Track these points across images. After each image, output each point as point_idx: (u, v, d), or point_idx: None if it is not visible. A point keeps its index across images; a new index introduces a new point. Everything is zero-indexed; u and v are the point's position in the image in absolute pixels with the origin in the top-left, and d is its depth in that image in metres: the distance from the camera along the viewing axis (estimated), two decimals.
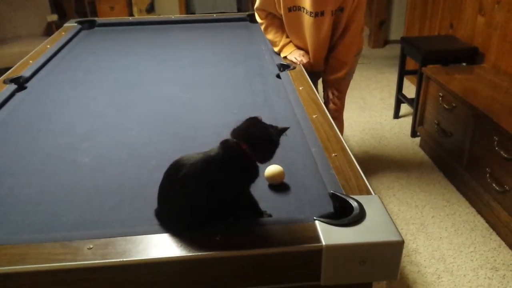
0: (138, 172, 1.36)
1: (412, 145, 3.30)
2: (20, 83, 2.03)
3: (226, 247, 0.99)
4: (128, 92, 1.99)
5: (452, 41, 3.38)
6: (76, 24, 2.97)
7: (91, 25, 3.01)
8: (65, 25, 3.00)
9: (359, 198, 1.12)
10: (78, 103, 1.88)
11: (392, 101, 3.84)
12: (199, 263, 0.98)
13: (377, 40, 5.35)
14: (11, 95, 1.92)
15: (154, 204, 1.10)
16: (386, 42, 5.41)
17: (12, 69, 2.20)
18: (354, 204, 1.10)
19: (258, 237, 1.02)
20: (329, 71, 2.40)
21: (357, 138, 3.41)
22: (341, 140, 1.46)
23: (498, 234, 2.38)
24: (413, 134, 3.39)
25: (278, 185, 1.27)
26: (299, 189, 1.24)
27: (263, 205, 1.16)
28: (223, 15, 3.44)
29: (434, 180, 2.88)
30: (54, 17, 4.64)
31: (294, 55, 2.29)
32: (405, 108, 3.72)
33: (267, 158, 1.09)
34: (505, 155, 2.22)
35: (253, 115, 1.11)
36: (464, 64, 3.22)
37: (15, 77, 2.05)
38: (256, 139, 1.05)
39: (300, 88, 1.91)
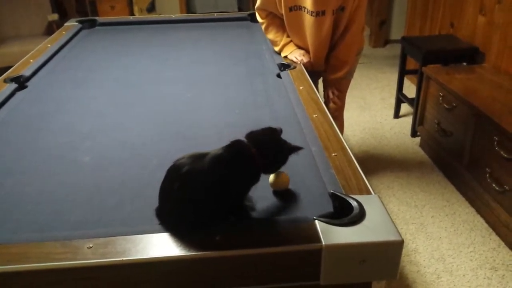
0: (139, 172, 1.36)
1: (412, 145, 3.30)
2: (21, 82, 2.03)
3: (225, 247, 0.99)
4: (128, 92, 1.99)
5: (452, 41, 3.38)
6: (76, 23, 2.97)
7: (92, 24, 3.01)
8: (66, 24, 3.00)
9: (359, 197, 1.12)
10: (78, 102, 1.89)
11: (392, 101, 3.84)
12: (199, 263, 0.99)
13: (377, 40, 5.35)
14: (12, 94, 1.92)
15: (155, 204, 1.10)
16: (386, 41, 5.41)
17: (12, 68, 2.20)
18: (354, 203, 1.10)
19: (257, 237, 1.03)
20: (330, 71, 2.41)
21: (357, 138, 3.41)
22: (341, 139, 1.46)
23: (498, 234, 2.38)
24: (413, 133, 3.40)
25: None
26: (299, 189, 1.24)
27: (263, 204, 1.17)
28: (223, 14, 3.44)
29: (434, 180, 2.88)
30: (55, 17, 4.65)
31: (295, 55, 2.29)
32: (405, 107, 3.72)
33: (270, 170, 1.14)
34: (505, 155, 2.22)
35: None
36: (464, 64, 3.22)
37: (15, 76, 2.05)
38: (266, 149, 1.08)
39: (301, 87, 1.91)
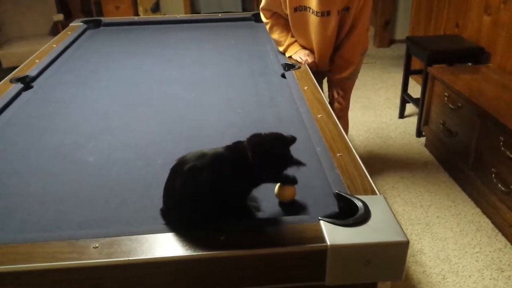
0: (143, 172, 1.37)
1: (417, 145, 3.29)
2: (27, 82, 2.04)
3: (230, 247, 0.99)
4: (133, 92, 1.99)
5: (458, 41, 3.37)
6: (82, 23, 2.98)
7: (97, 24, 3.02)
8: (71, 24, 3.01)
9: (364, 198, 1.12)
10: (83, 102, 1.89)
11: (397, 101, 3.83)
12: (204, 263, 0.99)
13: (382, 40, 5.34)
14: (18, 94, 1.93)
15: (159, 204, 1.10)
16: (391, 41, 5.40)
17: (18, 68, 2.21)
18: (359, 204, 1.09)
19: (262, 237, 1.02)
20: (335, 71, 2.40)
21: (362, 138, 3.40)
22: (346, 139, 1.45)
23: (504, 234, 2.37)
24: (418, 134, 3.38)
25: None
26: (304, 189, 1.24)
27: (268, 205, 1.16)
28: (228, 14, 3.44)
29: (439, 180, 2.87)
30: (60, 17, 4.66)
31: (299, 55, 2.29)
32: (410, 108, 3.71)
33: (266, 177, 1.09)
34: (511, 156, 2.21)
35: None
36: (470, 63, 3.21)
37: (21, 76, 2.06)
38: (263, 156, 1.05)
39: (305, 87, 1.90)
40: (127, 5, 5.33)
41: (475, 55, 3.17)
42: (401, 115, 3.70)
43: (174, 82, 2.09)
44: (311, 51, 2.34)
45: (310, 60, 2.27)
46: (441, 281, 2.10)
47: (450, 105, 2.79)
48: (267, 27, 2.39)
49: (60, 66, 2.31)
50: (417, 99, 3.41)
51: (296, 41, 2.34)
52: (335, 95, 2.47)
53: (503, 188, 2.28)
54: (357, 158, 1.34)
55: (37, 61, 2.29)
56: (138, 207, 1.20)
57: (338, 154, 1.36)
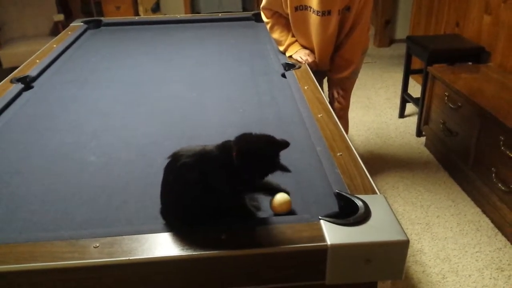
0: (144, 171, 1.37)
1: (417, 145, 3.29)
2: (27, 83, 2.04)
3: (231, 246, 1.00)
4: (134, 91, 2.00)
5: (458, 40, 3.37)
6: (82, 23, 2.99)
7: (97, 24, 3.02)
8: (71, 24, 3.01)
9: (364, 197, 1.12)
10: (84, 102, 1.89)
11: (397, 101, 3.83)
12: (204, 262, 0.99)
13: (382, 39, 5.34)
14: (18, 94, 1.93)
15: (160, 203, 1.11)
16: (391, 41, 5.40)
17: (19, 68, 2.21)
18: (359, 203, 1.10)
19: (263, 236, 1.03)
20: (335, 70, 2.40)
21: (362, 138, 3.40)
22: (346, 139, 1.46)
23: (504, 234, 2.37)
24: (419, 133, 3.39)
25: (284, 185, 1.25)
26: (304, 189, 1.24)
27: (268, 204, 1.16)
28: (228, 14, 3.45)
29: (440, 180, 2.87)
30: (60, 17, 4.67)
31: (300, 54, 2.29)
32: (410, 107, 3.71)
33: (245, 179, 1.05)
34: (511, 155, 2.21)
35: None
36: (470, 63, 3.20)
37: (22, 76, 2.06)
38: (246, 158, 1.01)
39: (305, 87, 1.91)
40: (128, 5, 5.33)
41: (475, 55, 3.17)
42: (401, 114, 3.70)
43: (174, 81, 2.09)
44: (312, 51, 2.34)
45: (310, 59, 2.28)
46: (441, 280, 2.10)
47: (450, 105, 2.79)
48: (268, 26, 2.39)
49: (60, 66, 2.31)
50: (417, 98, 3.42)
51: (296, 40, 2.35)
52: (335, 95, 2.47)
53: (503, 188, 2.29)
54: (357, 158, 1.34)
55: (37, 61, 2.30)
56: (139, 207, 1.20)
57: (339, 154, 1.36)
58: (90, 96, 1.95)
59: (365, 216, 1.06)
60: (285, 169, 1.10)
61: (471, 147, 2.59)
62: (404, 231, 1.01)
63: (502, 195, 2.33)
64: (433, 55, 3.16)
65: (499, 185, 2.31)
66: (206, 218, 1.06)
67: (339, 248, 0.98)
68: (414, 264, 2.20)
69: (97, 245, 1.00)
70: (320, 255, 0.98)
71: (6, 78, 2.06)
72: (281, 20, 2.34)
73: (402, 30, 5.21)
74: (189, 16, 4.10)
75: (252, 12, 3.13)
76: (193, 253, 0.98)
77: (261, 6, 2.37)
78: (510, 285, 2.07)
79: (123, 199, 1.24)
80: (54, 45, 2.55)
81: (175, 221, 1.08)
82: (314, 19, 2.21)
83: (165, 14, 5.45)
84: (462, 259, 2.22)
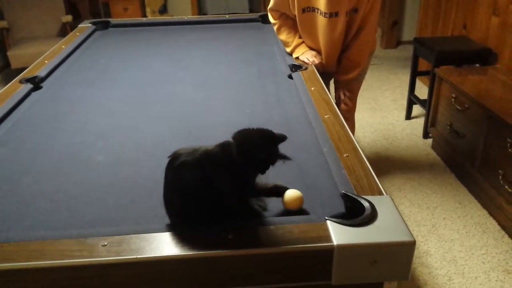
0: (152, 171, 1.38)
1: (424, 147, 3.28)
2: (36, 83, 2.06)
3: (238, 246, 1.00)
4: (141, 92, 2.01)
5: (465, 42, 3.36)
6: (90, 25, 3.01)
7: (105, 26, 3.04)
8: (80, 26, 3.04)
9: (371, 198, 1.12)
10: (92, 102, 1.91)
11: (404, 102, 3.82)
12: (211, 261, 1.00)
13: (389, 41, 5.33)
14: (27, 94, 1.95)
15: None
16: (398, 42, 5.39)
17: (28, 69, 2.23)
18: (366, 204, 1.10)
19: (269, 236, 1.03)
20: (342, 72, 2.40)
21: (368, 139, 3.40)
22: (353, 140, 1.46)
23: (511, 236, 2.36)
24: (425, 135, 3.38)
25: (291, 185, 1.26)
26: (310, 189, 1.24)
27: (275, 204, 1.17)
28: (235, 16, 3.46)
29: (446, 181, 2.86)
30: (69, 18, 4.70)
31: (306, 56, 2.30)
32: (417, 109, 3.70)
33: (249, 175, 1.07)
34: None
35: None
36: (477, 65, 3.20)
37: (30, 77, 2.08)
38: (247, 150, 1.03)
39: (312, 88, 1.91)
40: (135, 6, 5.36)
41: (482, 56, 3.16)
42: (408, 116, 3.70)
43: (182, 82, 2.10)
44: (319, 52, 2.34)
45: (317, 61, 2.28)
46: (447, 282, 2.10)
47: (457, 107, 2.78)
48: (275, 28, 2.39)
49: (69, 66, 2.33)
50: (424, 100, 3.41)
51: (303, 42, 2.35)
52: (342, 96, 2.47)
53: (510, 190, 2.28)
54: (364, 159, 1.34)
55: (46, 62, 2.32)
56: (146, 206, 1.21)
57: (345, 155, 1.37)
58: (98, 97, 1.96)
59: (372, 217, 1.06)
60: (285, 157, 1.10)
61: (478, 149, 2.58)
62: (410, 232, 1.01)
63: (509, 197, 2.32)
64: (440, 57, 3.15)
65: (506, 187, 2.30)
66: (206, 217, 1.06)
67: (345, 249, 0.99)
68: (420, 266, 2.20)
69: (105, 243, 1.01)
70: (326, 256, 0.99)
71: (16, 79, 2.08)
72: (288, 22, 2.35)
73: (409, 31, 5.20)
74: (196, 17, 4.11)
75: (259, 14, 3.14)
76: (201, 253, 0.99)
77: (269, 7, 2.38)
78: None
79: (131, 199, 1.25)
80: (63, 46, 2.57)
81: (176, 220, 1.08)
82: (321, 21, 2.21)
83: (172, 16, 5.47)
84: (468, 261, 2.22)
